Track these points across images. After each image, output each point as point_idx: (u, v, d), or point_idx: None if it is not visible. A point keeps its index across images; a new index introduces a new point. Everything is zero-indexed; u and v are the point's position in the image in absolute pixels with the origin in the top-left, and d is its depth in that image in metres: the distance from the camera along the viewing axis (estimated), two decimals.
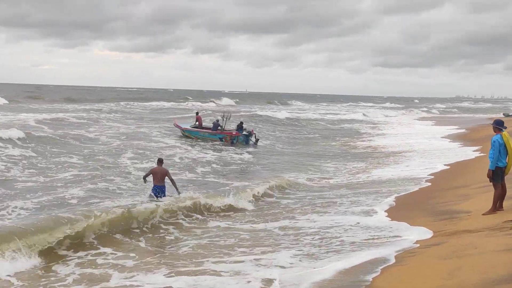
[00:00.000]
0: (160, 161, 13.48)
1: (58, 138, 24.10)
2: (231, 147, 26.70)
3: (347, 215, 11.82)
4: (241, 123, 30.14)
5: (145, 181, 13.43)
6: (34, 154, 20.52)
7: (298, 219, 11.75)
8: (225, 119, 30.42)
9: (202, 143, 27.56)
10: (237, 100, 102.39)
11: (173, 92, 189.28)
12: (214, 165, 20.48)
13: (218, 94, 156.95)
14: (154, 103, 75.64)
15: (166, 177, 13.17)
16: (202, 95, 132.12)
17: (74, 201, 13.32)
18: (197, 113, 33.05)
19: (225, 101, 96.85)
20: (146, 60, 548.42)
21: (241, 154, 24.63)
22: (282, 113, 51.66)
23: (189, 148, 25.17)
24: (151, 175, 13.18)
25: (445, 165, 19.30)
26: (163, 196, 13.05)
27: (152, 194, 13.10)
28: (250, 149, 26.57)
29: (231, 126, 30.72)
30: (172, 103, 78.90)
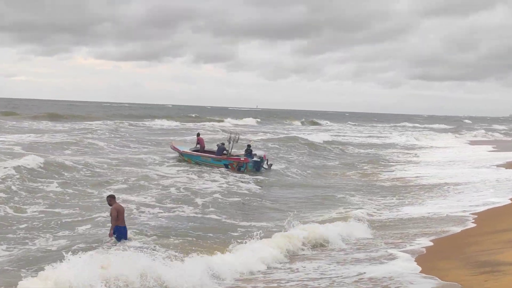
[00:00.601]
0: (113, 197, 13.34)
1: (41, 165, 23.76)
2: (239, 174, 26.93)
3: (360, 263, 11.63)
4: (249, 146, 30.21)
5: (112, 234, 12.85)
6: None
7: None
8: (231, 141, 29.77)
9: (205, 169, 27.60)
10: (259, 119, 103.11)
11: (172, 108, 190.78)
12: (216, 196, 20.57)
13: (223, 112, 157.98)
14: (152, 122, 76.35)
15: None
16: (206, 113, 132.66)
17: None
18: (198, 134, 33.28)
19: (247, 121, 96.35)
20: (137, 70, 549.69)
21: (248, 182, 24.78)
22: (319, 136, 52.75)
23: (189, 176, 25.28)
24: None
25: (494, 201, 18.89)
26: (125, 240, 12.82)
27: (115, 238, 12.79)
28: (261, 177, 26.61)
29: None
30: (175, 122, 79.34)
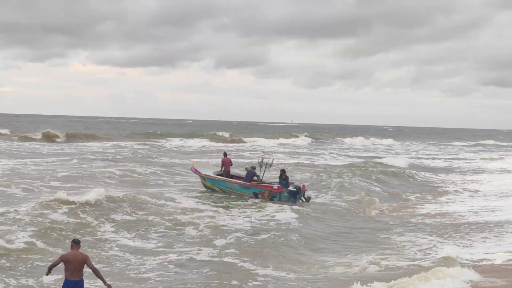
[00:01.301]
0: (76, 243, 12.63)
1: None
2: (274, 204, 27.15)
3: None
4: (283, 171, 29.57)
5: (48, 272, 12.56)
6: None
7: None
8: (264, 165, 29.30)
9: (232, 198, 27.66)
10: (313, 140, 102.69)
11: (192, 123, 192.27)
12: (239, 235, 20.72)
13: (252, 127, 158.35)
14: (183, 142, 78.18)
15: (86, 267, 12.36)
16: (231, 128, 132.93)
17: None
18: (225, 154, 32.18)
19: (301, 141, 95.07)
20: (146, 78, 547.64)
21: (282, 210, 25.21)
22: (400, 160, 53.96)
23: (212, 208, 25.40)
24: (61, 263, 12.30)
25: None
26: None
27: None
28: (297, 208, 26.65)
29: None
30: (210, 142, 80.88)
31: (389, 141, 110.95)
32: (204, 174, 29.80)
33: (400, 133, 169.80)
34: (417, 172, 45.08)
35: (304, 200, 28.42)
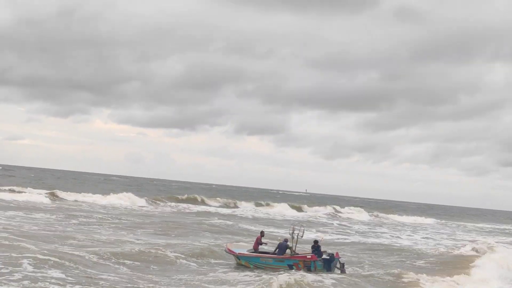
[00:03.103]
0: None
1: None
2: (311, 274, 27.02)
3: None
4: (316, 242, 30.06)
5: None
6: None
7: None
8: (296, 236, 29.91)
9: (267, 272, 27.20)
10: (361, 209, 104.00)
11: (216, 187, 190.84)
12: None
13: (270, 196, 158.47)
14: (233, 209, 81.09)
15: None
16: (252, 196, 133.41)
17: None
18: (261, 233, 32.62)
19: (361, 216, 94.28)
20: (165, 140, 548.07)
21: (321, 281, 24.89)
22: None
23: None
24: None
25: None
26: None
27: None
28: (334, 276, 26.94)
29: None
30: (253, 206, 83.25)
31: (431, 220, 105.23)
32: (238, 253, 30.17)
33: (415, 209, 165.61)
34: None
35: (339, 267, 28.73)
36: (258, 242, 31.04)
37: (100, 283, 21.61)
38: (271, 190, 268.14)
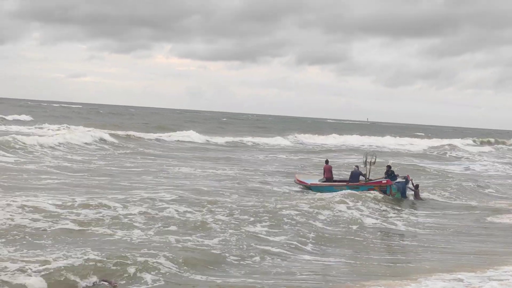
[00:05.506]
0: None
1: None
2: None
3: None
4: (389, 167, 30.47)
5: None
6: None
7: None
8: (369, 164, 29.97)
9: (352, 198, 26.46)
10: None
11: (274, 119, 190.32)
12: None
13: (324, 125, 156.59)
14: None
15: None
16: (309, 125, 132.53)
17: None
18: (326, 162, 32.76)
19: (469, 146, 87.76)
20: (225, 73, 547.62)
21: (399, 212, 25.43)
22: None
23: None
24: None
25: None
26: None
27: None
28: (410, 203, 27.58)
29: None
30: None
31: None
32: (311, 184, 29.77)
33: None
34: None
35: (412, 188, 29.06)
36: (330, 171, 31.19)
37: None
38: (329, 119, 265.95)
